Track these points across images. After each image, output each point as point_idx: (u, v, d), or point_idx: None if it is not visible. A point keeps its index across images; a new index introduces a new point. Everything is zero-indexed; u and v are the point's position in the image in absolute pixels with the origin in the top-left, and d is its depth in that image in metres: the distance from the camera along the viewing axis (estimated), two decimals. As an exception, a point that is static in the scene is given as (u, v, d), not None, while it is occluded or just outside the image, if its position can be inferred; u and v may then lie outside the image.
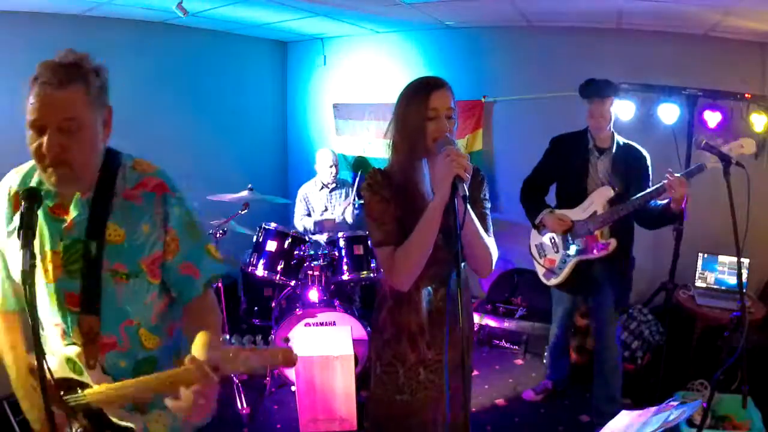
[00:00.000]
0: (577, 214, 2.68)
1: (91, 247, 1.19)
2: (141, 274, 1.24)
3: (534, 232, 2.87)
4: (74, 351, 1.21)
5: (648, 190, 2.45)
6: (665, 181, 2.32)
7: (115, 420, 1.22)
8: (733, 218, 1.93)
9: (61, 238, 1.19)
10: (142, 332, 1.28)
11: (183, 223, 1.30)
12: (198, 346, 1.16)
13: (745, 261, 3.11)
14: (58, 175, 1.12)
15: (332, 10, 3.62)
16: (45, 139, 1.08)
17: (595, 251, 2.66)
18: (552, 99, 3.85)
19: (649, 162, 2.62)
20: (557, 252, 2.78)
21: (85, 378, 1.21)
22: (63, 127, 1.09)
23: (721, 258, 3.34)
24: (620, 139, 2.66)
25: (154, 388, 1.13)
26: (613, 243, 2.62)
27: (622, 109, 3.38)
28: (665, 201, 2.41)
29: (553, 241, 2.79)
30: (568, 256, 2.73)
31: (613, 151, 2.63)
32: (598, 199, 2.63)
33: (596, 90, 2.57)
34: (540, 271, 2.86)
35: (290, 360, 1.06)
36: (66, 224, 1.20)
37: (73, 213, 1.20)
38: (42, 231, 1.20)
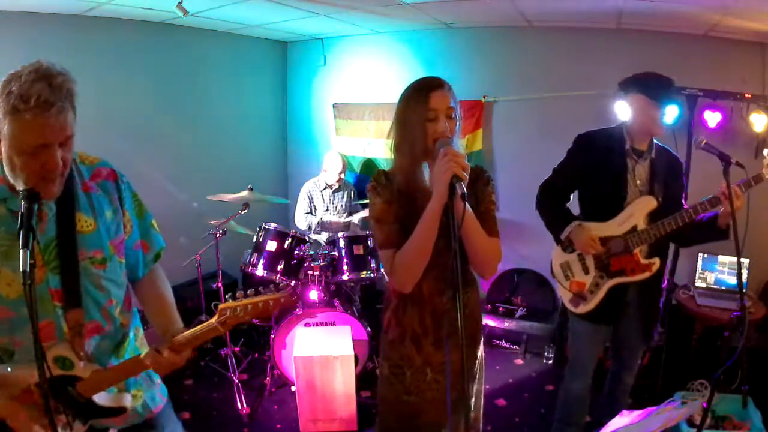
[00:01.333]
0: (612, 228, 2.24)
1: (63, 241, 1.24)
2: (113, 257, 1.34)
3: (557, 249, 2.41)
4: (63, 347, 1.24)
5: (703, 200, 2.09)
6: (719, 193, 2.01)
7: (106, 405, 1.29)
8: (733, 218, 1.93)
9: (36, 240, 1.20)
10: (118, 311, 1.37)
11: (133, 204, 1.43)
12: (171, 318, 1.41)
13: (745, 261, 3.12)
14: (54, 185, 1.18)
15: (332, 10, 3.62)
16: (48, 156, 1.12)
17: (634, 273, 2.24)
18: (552, 99, 3.85)
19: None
20: (587, 273, 2.32)
21: (75, 371, 1.25)
22: (64, 143, 1.15)
23: (721, 258, 3.34)
24: (656, 141, 2.29)
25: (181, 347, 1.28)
26: (656, 263, 2.23)
27: (622, 109, 3.39)
28: (711, 215, 2.11)
29: (581, 259, 2.34)
30: (602, 277, 2.28)
31: (652, 154, 2.24)
32: (639, 211, 2.21)
33: (668, 94, 2.15)
34: (565, 296, 2.39)
35: (291, 297, 1.28)
36: (39, 226, 1.23)
37: (45, 212, 1.24)
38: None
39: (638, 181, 2.23)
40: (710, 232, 2.13)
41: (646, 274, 2.23)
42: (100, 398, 1.28)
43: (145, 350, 1.39)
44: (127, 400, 1.35)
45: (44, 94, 1.07)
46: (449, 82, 1.53)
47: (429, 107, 1.47)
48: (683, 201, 2.30)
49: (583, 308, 2.33)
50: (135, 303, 1.49)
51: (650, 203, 2.20)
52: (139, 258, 1.46)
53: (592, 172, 2.29)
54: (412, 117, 1.50)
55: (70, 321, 1.24)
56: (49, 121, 1.09)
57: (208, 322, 1.28)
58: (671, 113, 2.97)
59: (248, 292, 1.28)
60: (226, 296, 1.32)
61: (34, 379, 1.18)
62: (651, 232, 2.17)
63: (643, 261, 2.23)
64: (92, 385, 1.25)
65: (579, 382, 2.45)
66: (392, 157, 1.61)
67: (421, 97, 1.49)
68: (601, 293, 2.29)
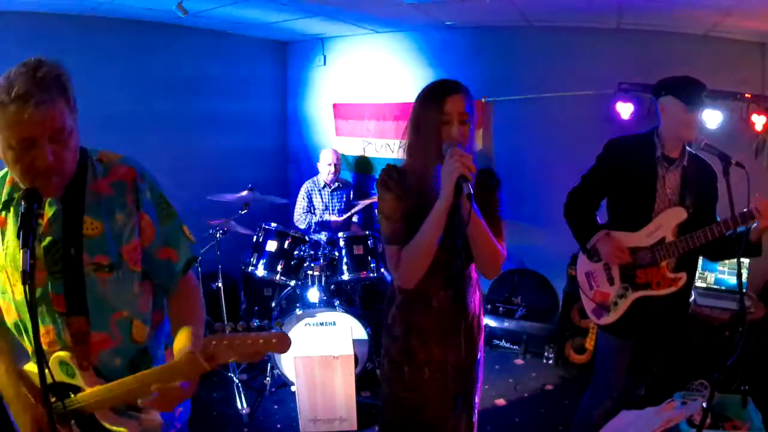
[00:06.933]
0: (640, 238, 2.15)
1: (69, 244, 1.18)
2: (123, 264, 1.24)
3: (582, 257, 2.34)
4: (66, 353, 1.20)
5: (738, 213, 1.94)
6: (752, 207, 1.92)
7: (107, 425, 1.21)
8: (733, 218, 1.93)
9: (39, 241, 1.17)
10: (135, 324, 1.28)
11: (156, 207, 1.30)
12: (184, 339, 1.19)
13: (745, 261, 3.11)
14: (51, 184, 1.13)
15: (332, 10, 3.62)
16: (38, 152, 1.08)
17: (660, 287, 2.16)
18: (552, 99, 3.85)
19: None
20: (612, 284, 2.24)
21: (77, 381, 1.20)
22: (54, 137, 1.09)
23: (721, 258, 3.33)
24: (689, 148, 2.16)
25: (146, 385, 1.12)
26: (683, 278, 2.13)
27: (622, 110, 3.39)
28: (742, 229, 1.99)
29: (606, 269, 2.26)
30: (627, 289, 2.20)
31: (685, 162, 2.13)
32: (668, 222, 2.12)
33: (700, 99, 2.06)
34: (588, 306, 2.31)
35: (284, 344, 1.07)
36: (42, 227, 1.18)
37: (48, 213, 1.19)
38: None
39: (668, 191, 2.14)
40: (741, 248, 1.99)
41: (672, 289, 2.14)
42: (103, 417, 1.20)
43: None
44: (129, 423, 1.22)
45: (24, 87, 1.04)
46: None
47: (443, 111, 1.49)
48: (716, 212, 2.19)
49: (605, 320, 2.25)
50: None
51: (680, 214, 2.11)
52: (165, 267, 1.32)
53: (620, 179, 2.20)
54: (426, 119, 1.52)
55: (73, 328, 1.19)
56: (29, 115, 1.04)
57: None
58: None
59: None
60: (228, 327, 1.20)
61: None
62: (679, 245, 2.07)
63: (670, 275, 2.15)
64: (95, 399, 1.17)
65: (600, 407, 2.33)
66: (405, 157, 1.63)
67: (436, 100, 1.51)
68: (624, 305, 2.21)
